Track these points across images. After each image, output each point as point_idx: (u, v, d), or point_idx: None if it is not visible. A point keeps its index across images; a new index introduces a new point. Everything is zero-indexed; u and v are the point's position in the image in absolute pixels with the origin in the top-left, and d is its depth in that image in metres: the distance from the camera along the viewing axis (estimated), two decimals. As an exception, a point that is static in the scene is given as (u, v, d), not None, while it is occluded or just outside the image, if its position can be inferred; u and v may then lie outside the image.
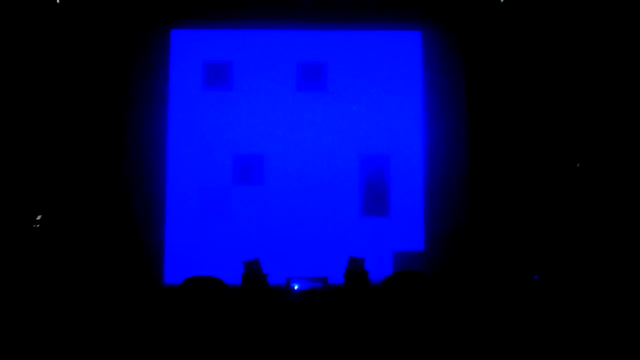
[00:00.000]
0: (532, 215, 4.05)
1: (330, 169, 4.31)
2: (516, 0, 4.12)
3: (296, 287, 3.82)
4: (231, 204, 4.29)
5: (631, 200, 3.83)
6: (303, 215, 4.28)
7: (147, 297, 3.85)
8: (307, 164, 4.31)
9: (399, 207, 4.30)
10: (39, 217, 3.92)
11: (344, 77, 4.36)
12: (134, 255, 4.07)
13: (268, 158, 4.32)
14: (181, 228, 4.25)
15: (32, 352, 3.34)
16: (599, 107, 4.01)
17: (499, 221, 4.08)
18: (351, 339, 3.52)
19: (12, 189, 3.88)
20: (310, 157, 4.32)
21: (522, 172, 4.11)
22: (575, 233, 3.96)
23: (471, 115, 4.20)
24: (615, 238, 3.85)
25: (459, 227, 4.15)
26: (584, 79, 4.05)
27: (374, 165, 4.34)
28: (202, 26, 4.34)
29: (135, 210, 4.13)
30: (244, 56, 4.37)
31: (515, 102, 4.13)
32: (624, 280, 3.71)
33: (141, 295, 3.88)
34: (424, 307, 3.57)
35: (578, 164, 3.94)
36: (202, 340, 3.46)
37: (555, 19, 4.09)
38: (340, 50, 4.37)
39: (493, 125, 4.16)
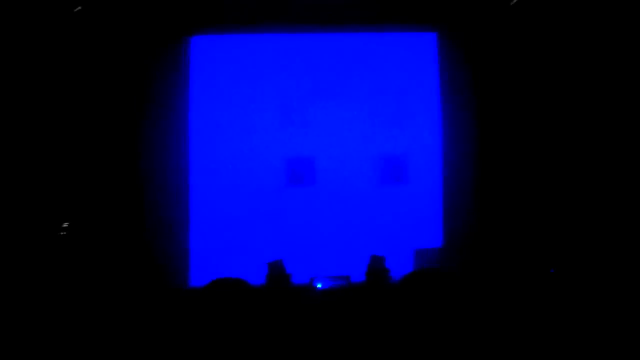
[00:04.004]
0: (549, 211, 4.05)
1: (349, 168, 4.35)
2: (531, 2, 4.13)
3: (319, 286, 3.88)
4: (257, 205, 4.36)
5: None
6: (325, 215, 4.34)
7: (171, 299, 3.96)
8: (331, 165, 4.35)
9: (418, 204, 4.32)
10: (65, 225, 4.04)
11: (360, 79, 4.41)
12: (158, 258, 4.16)
13: (292, 160, 4.37)
14: (205, 231, 4.33)
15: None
16: (612, 105, 4.00)
17: (515, 217, 4.09)
18: (373, 337, 3.58)
19: (35, 197, 4.00)
20: (331, 157, 4.36)
21: (537, 170, 4.14)
22: (593, 226, 3.94)
23: (486, 115, 4.20)
24: (631, 233, 3.83)
25: (476, 223, 4.16)
26: (599, 78, 4.07)
27: (392, 165, 4.37)
28: (221, 32, 4.41)
29: (158, 214, 4.20)
30: (262, 60, 4.42)
31: (531, 102, 4.15)
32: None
33: (165, 297, 3.98)
34: (445, 305, 3.61)
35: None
36: (226, 341, 3.55)
37: (569, 20, 4.11)
38: (357, 53, 4.41)
39: (508, 124, 4.19)
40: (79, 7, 4.07)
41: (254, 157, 4.41)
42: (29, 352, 3.46)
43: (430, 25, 4.37)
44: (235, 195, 4.38)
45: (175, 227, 4.25)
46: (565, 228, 4.04)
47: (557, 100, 4.14)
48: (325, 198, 4.38)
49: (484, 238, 4.14)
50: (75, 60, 4.11)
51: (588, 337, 3.36)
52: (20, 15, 4.00)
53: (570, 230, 4.03)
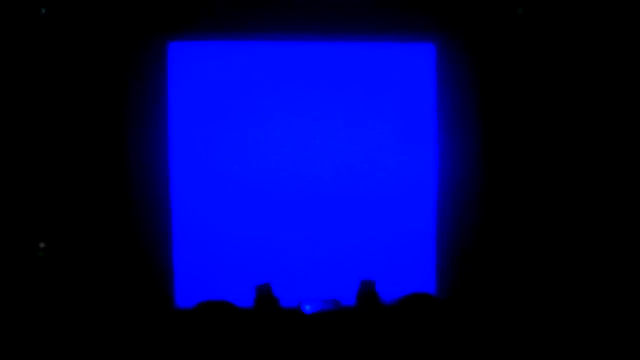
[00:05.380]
0: (552, 227, 4.03)
1: (342, 184, 4.29)
2: (534, 13, 4.05)
3: (308, 309, 3.82)
4: (241, 223, 4.27)
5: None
6: (314, 236, 4.28)
7: (158, 321, 3.86)
8: (320, 180, 4.28)
9: (412, 226, 4.29)
10: (42, 245, 3.91)
11: (351, 91, 4.28)
12: (143, 278, 4.05)
13: (278, 177, 4.27)
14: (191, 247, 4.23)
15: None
16: (615, 116, 4.02)
17: (514, 240, 4.07)
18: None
19: (14, 201, 3.87)
20: (321, 173, 4.29)
21: (541, 191, 4.08)
22: (594, 237, 3.95)
23: (486, 128, 4.14)
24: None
25: (472, 244, 4.13)
26: (601, 91, 4.03)
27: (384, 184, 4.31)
28: (202, 38, 4.17)
29: (142, 229, 4.07)
30: (249, 71, 4.24)
31: (533, 116, 4.08)
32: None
33: (151, 319, 3.88)
34: (437, 330, 3.58)
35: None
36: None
37: (573, 32, 4.04)
38: (350, 63, 4.26)
39: (508, 137, 4.11)
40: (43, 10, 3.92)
41: (230, 168, 4.28)
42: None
43: (428, 36, 4.21)
44: (218, 210, 4.28)
45: (158, 244, 4.11)
46: (567, 241, 4.02)
47: (562, 115, 4.07)
48: (314, 217, 4.31)
49: (480, 260, 4.11)
50: (52, 60, 3.92)
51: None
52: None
53: (571, 244, 4.01)
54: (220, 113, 4.22)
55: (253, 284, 3.85)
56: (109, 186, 4.01)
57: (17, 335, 3.65)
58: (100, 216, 3.99)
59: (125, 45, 4.00)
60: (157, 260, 4.15)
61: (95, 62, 3.97)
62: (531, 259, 4.01)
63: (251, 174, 4.26)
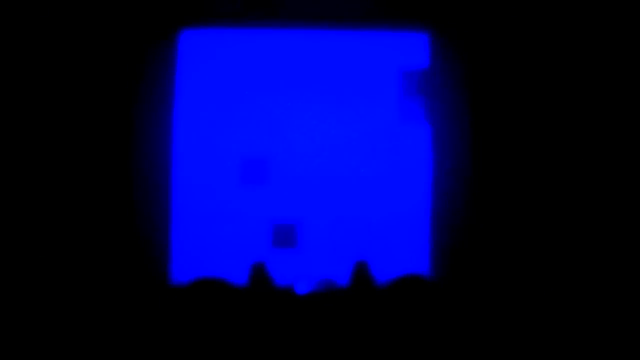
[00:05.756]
0: (543, 221, 4.05)
1: (334, 171, 4.32)
2: (530, 4, 4.10)
3: (301, 290, 3.85)
4: (238, 204, 4.30)
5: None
6: (310, 217, 4.29)
7: (153, 297, 3.89)
8: (312, 166, 4.33)
9: (406, 210, 4.31)
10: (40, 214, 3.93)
11: (346, 79, 4.35)
12: (140, 254, 4.09)
13: (275, 160, 4.32)
14: (189, 227, 4.28)
15: (34, 354, 3.39)
16: (607, 108, 4.01)
17: (507, 228, 4.08)
18: (355, 342, 3.56)
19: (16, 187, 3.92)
20: (313, 159, 4.33)
21: (534, 183, 4.10)
22: (586, 233, 3.96)
23: (477, 120, 4.18)
24: (631, 237, 3.86)
25: (466, 226, 4.14)
26: (593, 82, 4.06)
27: (377, 172, 4.33)
28: (209, 26, 4.28)
29: (141, 210, 4.13)
30: (250, 57, 4.33)
31: (524, 107, 4.12)
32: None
33: (146, 295, 3.92)
34: (430, 312, 3.60)
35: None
36: (208, 342, 3.50)
37: (566, 24, 4.07)
38: (343, 51, 4.34)
39: (504, 131, 4.14)
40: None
41: (237, 155, 4.34)
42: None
43: (422, 25, 4.27)
44: (218, 192, 4.32)
45: (158, 223, 4.15)
46: (559, 236, 4.03)
47: (556, 105, 4.09)
48: (310, 198, 4.33)
49: (474, 243, 4.11)
50: (59, 53, 4.02)
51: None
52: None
53: (564, 239, 4.02)
54: (222, 99, 4.32)
55: (248, 262, 3.88)
56: (112, 166, 4.09)
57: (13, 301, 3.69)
58: (103, 196, 4.06)
59: (136, 33, 4.11)
60: (156, 237, 4.20)
61: (105, 50, 4.08)
62: (526, 242, 4.02)
63: (250, 156, 4.32)
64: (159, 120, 4.21)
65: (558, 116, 4.09)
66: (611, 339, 3.69)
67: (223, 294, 3.64)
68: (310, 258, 4.27)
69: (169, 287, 4.08)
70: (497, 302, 3.90)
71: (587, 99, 4.05)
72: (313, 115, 4.35)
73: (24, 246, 3.86)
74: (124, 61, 4.10)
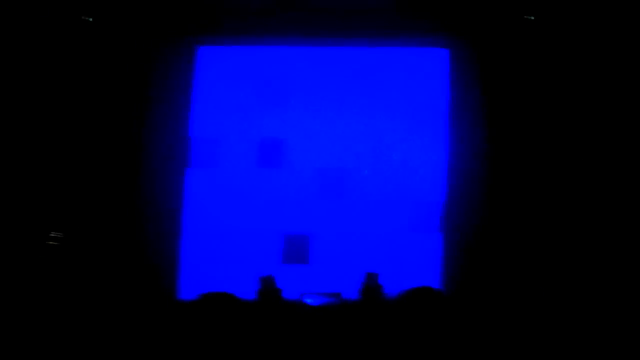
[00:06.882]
0: (558, 234, 3.97)
1: (351, 180, 4.30)
2: (548, 19, 4.07)
3: (309, 302, 3.80)
4: (247, 216, 4.28)
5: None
6: (320, 229, 4.27)
7: (160, 313, 3.86)
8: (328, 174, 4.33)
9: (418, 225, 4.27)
10: (53, 234, 3.95)
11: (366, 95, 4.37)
12: (148, 270, 4.07)
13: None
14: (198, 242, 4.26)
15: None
16: (623, 120, 3.96)
17: (519, 242, 4.00)
18: (364, 355, 3.51)
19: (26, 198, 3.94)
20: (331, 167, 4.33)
21: (548, 196, 3.98)
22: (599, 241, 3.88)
23: (496, 130, 4.11)
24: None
25: (477, 238, 4.08)
26: (611, 95, 3.96)
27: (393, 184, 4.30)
28: (228, 42, 4.39)
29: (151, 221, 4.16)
30: (271, 73, 4.41)
31: (541, 120, 4.03)
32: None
33: (154, 311, 3.89)
34: (440, 324, 3.55)
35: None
36: (215, 356, 3.47)
37: (584, 38, 4.02)
38: (365, 68, 4.38)
39: (518, 139, 4.07)
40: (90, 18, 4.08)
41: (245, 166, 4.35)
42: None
43: (442, 41, 4.29)
44: (227, 205, 4.31)
45: (167, 236, 4.17)
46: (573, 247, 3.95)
47: (572, 120, 4.01)
48: (320, 210, 4.31)
49: (486, 255, 4.04)
50: (77, 62, 4.12)
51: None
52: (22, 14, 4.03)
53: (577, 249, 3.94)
54: (240, 112, 4.38)
55: (256, 276, 3.85)
56: (124, 179, 4.13)
57: (20, 322, 3.69)
58: (114, 209, 4.08)
59: (155, 49, 4.25)
60: (164, 252, 4.19)
61: (124, 65, 4.20)
62: (536, 255, 3.95)
63: (263, 171, 4.33)
64: (173, 136, 4.28)
65: (574, 129, 4.03)
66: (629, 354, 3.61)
67: (231, 308, 3.60)
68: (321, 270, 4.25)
69: (177, 302, 4.07)
70: (508, 315, 3.83)
71: (602, 110, 3.99)
72: (329, 128, 4.34)
73: (33, 258, 3.87)
74: (144, 76, 4.21)
